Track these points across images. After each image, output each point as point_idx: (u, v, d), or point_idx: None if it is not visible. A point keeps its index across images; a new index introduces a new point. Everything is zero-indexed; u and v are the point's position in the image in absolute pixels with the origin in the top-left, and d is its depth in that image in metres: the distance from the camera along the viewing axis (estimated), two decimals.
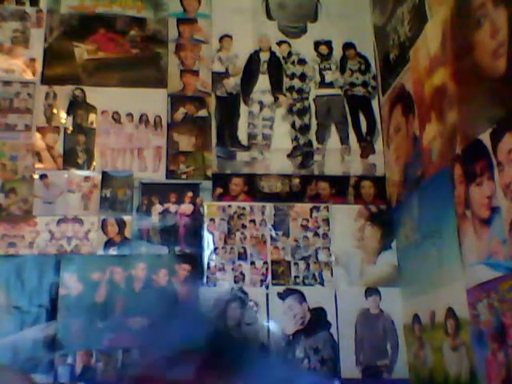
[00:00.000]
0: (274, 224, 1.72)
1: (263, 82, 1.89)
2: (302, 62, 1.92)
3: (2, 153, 1.71)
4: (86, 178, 1.72)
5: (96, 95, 1.81)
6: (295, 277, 1.68)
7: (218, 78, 1.88)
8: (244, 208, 1.73)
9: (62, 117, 1.78)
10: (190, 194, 1.74)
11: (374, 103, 1.89)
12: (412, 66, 1.60)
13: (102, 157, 1.75)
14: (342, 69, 1.92)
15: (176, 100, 1.84)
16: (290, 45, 1.93)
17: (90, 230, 1.67)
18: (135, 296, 1.62)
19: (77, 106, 1.79)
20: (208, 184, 1.76)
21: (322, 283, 1.68)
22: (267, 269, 1.68)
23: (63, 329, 1.57)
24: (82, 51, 1.85)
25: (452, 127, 1.36)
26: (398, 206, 1.71)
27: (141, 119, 1.80)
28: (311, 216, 1.74)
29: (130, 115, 1.80)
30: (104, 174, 1.73)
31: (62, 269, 1.62)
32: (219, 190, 1.75)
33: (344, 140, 1.85)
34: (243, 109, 1.86)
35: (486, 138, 1.19)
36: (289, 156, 1.82)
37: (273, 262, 1.69)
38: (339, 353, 1.62)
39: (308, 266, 1.69)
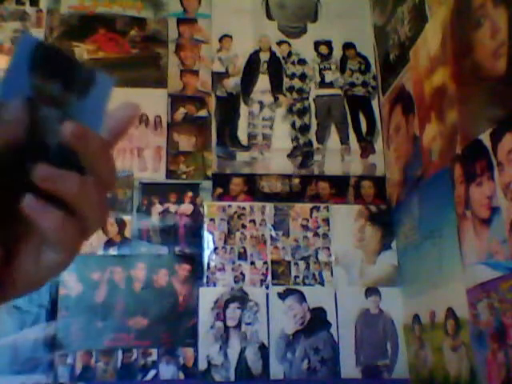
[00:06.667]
0: (274, 224, 1.72)
1: (263, 82, 1.89)
2: (302, 61, 1.92)
3: None
4: None
5: None
6: (295, 277, 1.68)
7: (218, 78, 1.88)
8: (244, 208, 1.73)
9: None
10: (190, 193, 1.74)
11: (374, 103, 1.89)
12: (412, 65, 1.60)
13: None
14: (342, 69, 1.92)
15: (176, 100, 1.84)
16: (289, 45, 1.94)
17: None
18: (135, 296, 1.62)
19: None
20: (208, 184, 1.76)
21: (322, 283, 1.68)
22: (267, 269, 1.68)
23: (63, 329, 1.57)
24: (82, 51, 1.85)
25: (452, 127, 1.36)
26: (398, 205, 1.71)
27: (141, 119, 1.80)
28: (311, 216, 1.74)
29: None
30: None
31: None
32: (219, 190, 1.75)
33: (344, 140, 1.85)
34: (243, 109, 1.86)
35: (486, 138, 1.19)
36: (289, 156, 1.82)
37: (273, 262, 1.69)
38: (339, 353, 1.62)
39: (308, 265, 1.69)
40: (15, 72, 0.38)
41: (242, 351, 1.60)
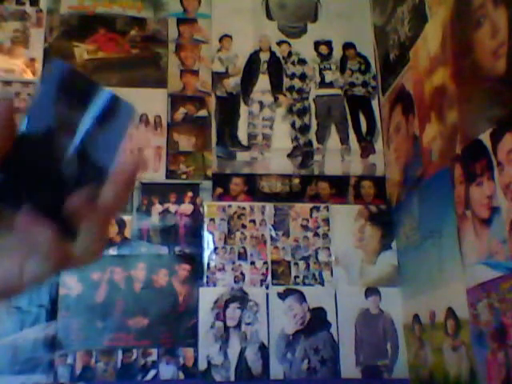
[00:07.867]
0: (274, 224, 1.72)
1: (263, 81, 1.89)
2: (302, 61, 1.92)
3: None
4: None
5: None
6: (295, 277, 1.68)
7: (218, 77, 1.88)
8: (244, 208, 1.73)
9: None
10: (190, 193, 1.74)
11: (374, 103, 1.89)
12: (412, 65, 1.60)
13: None
14: (342, 69, 1.92)
15: (176, 100, 1.84)
16: (289, 45, 1.94)
17: None
18: (135, 296, 1.62)
19: None
20: (208, 184, 1.76)
21: (322, 283, 1.68)
22: (267, 269, 1.68)
23: (63, 329, 1.57)
24: (82, 51, 1.85)
25: (452, 127, 1.36)
26: (398, 206, 1.71)
27: (141, 119, 1.80)
28: (311, 216, 1.74)
29: None
30: None
31: None
32: (219, 190, 1.75)
33: (344, 140, 1.85)
34: (243, 109, 1.86)
35: (486, 138, 1.19)
36: (289, 156, 1.82)
37: (273, 262, 1.69)
38: (339, 353, 1.62)
39: (308, 265, 1.69)
40: (42, 100, 0.39)
41: (242, 351, 1.60)
